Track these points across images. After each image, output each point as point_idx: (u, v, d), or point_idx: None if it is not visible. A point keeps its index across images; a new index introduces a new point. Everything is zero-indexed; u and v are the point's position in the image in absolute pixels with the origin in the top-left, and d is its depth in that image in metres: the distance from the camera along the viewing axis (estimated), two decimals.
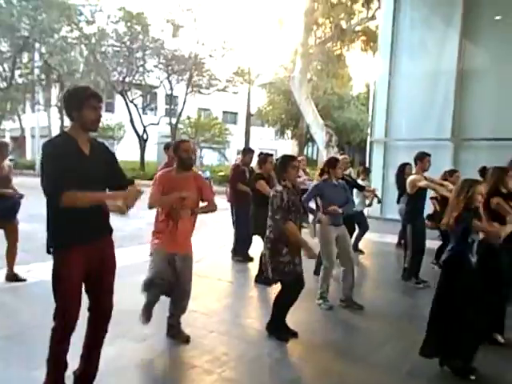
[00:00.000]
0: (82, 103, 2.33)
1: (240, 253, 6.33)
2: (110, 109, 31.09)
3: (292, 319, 3.99)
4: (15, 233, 4.82)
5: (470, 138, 10.35)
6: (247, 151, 6.64)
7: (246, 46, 33.81)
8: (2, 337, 3.43)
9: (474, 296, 3.00)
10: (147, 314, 3.43)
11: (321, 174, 4.60)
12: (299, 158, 6.97)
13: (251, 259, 6.23)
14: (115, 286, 5.02)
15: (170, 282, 3.32)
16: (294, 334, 3.61)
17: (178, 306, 3.41)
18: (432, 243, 6.06)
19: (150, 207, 3.36)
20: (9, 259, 4.84)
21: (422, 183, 5.04)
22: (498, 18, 10.04)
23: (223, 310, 4.10)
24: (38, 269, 4.86)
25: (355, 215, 7.01)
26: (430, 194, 6.22)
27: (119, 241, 7.84)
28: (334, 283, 4.74)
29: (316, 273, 5.35)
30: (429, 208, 6.15)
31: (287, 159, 3.62)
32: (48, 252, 2.42)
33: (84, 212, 2.36)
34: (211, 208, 3.44)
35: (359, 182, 7.04)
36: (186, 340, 3.41)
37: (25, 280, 4.83)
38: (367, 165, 11.57)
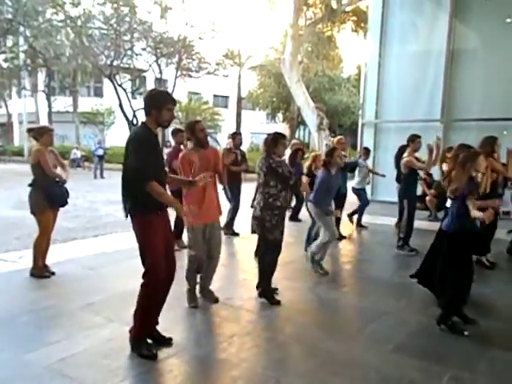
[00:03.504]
0: (162, 105, 2.86)
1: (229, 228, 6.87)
2: (99, 93, 30.69)
3: (283, 299, 4.07)
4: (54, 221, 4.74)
5: (459, 118, 10.41)
6: (235, 134, 7.11)
7: (235, 28, 33.37)
8: None
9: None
10: (195, 297, 3.91)
11: (324, 165, 4.92)
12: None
13: (237, 234, 6.83)
14: (109, 272, 5.09)
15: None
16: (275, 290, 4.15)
17: (212, 267, 3.97)
18: (420, 224, 6.18)
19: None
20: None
21: (416, 166, 5.73)
22: None
23: (215, 292, 4.16)
24: (29, 255, 4.86)
25: (358, 192, 7.54)
26: (419, 175, 6.37)
27: (111, 227, 7.94)
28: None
29: (307, 249, 5.61)
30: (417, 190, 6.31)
31: (279, 136, 4.06)
32: (127, 216, 2.94)
33: (163, 187, 2.95)
34: (221, 179, 4.05)
35: (361, 161, 7.45)
36: (215, 300, 3.94)
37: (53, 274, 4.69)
38: (358, 147, 11.63)
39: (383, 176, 8.07)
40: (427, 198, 7.56)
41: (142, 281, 2.97)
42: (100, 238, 6.70)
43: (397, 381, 2.75)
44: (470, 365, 2.96)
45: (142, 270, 3.04)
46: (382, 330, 3.51)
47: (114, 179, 7.59)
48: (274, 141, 3.99)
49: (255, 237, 5.51)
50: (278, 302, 4.00)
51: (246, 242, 6.39)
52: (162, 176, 2.98)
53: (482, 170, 3.56)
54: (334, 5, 13.72)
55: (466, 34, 10.38)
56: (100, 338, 3.23)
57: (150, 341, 3.07)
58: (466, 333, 3.38)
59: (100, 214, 8.93)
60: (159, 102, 2.88)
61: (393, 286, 4.69)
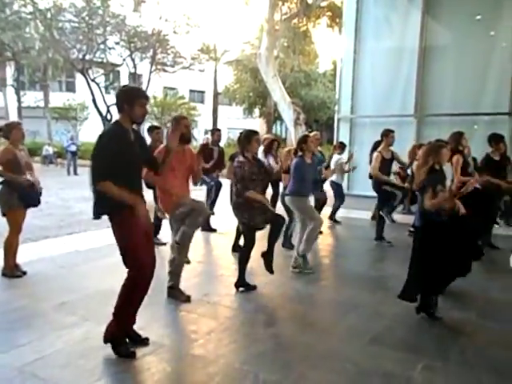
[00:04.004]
0: (134, 100, 2.84)
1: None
2: (71, 88, 29.90)
3: (261, 293, 4.09)
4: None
5: (431, 113, 10.64)
6: (215, 130, 7.16)
7: (211, 23, 33.09)
8: None
9: (448, 249, 3.43)
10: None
11: (295, 153, 4.87)
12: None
13: (215, 230, 6.81)
14: (83, 270, 4.98)
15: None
16: (254, 287, 4.18)
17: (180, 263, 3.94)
18: (394, 217, 6.30)
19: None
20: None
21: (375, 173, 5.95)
22: None
23: (192, 289, 4.14)
24: (0, 255, 4.71)
25: (336, 187, 7.64)
26: (394, 169, 6.51)
27: (85, 224, 7.78)
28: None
29: (284, 245, 5.72)
30: None
31: (251, 133, 4.09)
32: (96, 218, 2.89)
33: (135, 183, 2.92)
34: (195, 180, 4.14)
35: (335, 156, 7.60)
36: (188, 299, 3.87)
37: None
38: (334, 142, 11.76)
39: (354, 168, 8.01)
40: None
41: (118, 279, 2.93)
42: (74, 236, 6.55)
43: (373, 372, 2.79)
44: (443, 354, 3.03)
45: (118, 267, 2.99)
46: (358, 323, 3.56)
47: (87, 176, 7.43)
48: (247, 138, 4.02)
49: (232, 233, 5.53)
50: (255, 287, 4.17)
51: (223, 238, 6.37)
52: (133, 173, 2.92)
53: (445, 162, 3.62)
54: (309, 0, 13.78)
55: (437, 31, 10.60)
56: (75, 337, 3.16)
57: (127, 340, 3.03)
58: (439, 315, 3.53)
59: (74, 211, 8.72)
60: (131, 98, 2.85)
61: (369, 279, 4.76)
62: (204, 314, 3.66)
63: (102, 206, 2.85)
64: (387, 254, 5.82)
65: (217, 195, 6.98)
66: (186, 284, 4.12)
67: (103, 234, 6.21)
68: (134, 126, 3.01)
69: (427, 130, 10.55)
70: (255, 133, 4.14)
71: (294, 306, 4.00)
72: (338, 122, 12.34)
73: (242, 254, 4.25)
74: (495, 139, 5.67)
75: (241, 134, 4.13)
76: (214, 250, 6.18)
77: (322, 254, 6.00)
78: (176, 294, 3.91)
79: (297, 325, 3.52)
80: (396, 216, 6.47)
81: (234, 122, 33.13)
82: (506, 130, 9.48)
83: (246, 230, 4.13)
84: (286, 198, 4.94)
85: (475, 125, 9.92)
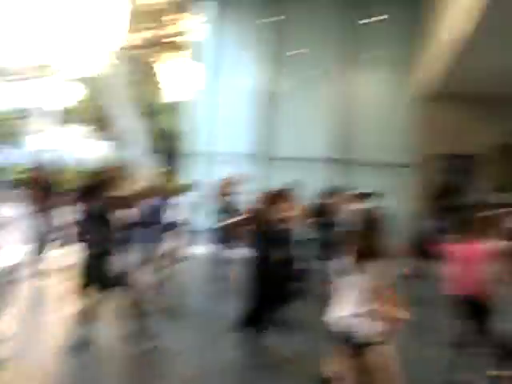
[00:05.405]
0: None
1: None
2: None
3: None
4: None
5: (277, 156, 11.41)
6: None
7: (49, 36, 30.03)
8: None
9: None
10: None
11: None
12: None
13: None
14: None
15: None
16: None
17: None
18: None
19: None
20: None
21: None
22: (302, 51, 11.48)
23: None
24: None
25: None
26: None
27: None
28: None
29: None
30: None
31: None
32: None
33: None
34: None
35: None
36: None
37: None
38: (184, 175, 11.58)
39: None
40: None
41: None
42: None
43: None
44: None
45: None
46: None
47: None
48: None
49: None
50: None
51: None
52: None
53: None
54: (157, 33, 13.72)
55: (284, 78, 11.66)
56: None
57: None
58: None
59: None
60: None
61: (208, 311, 5.01)
62: None
63: None
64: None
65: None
66: None
67: None
68: None
69: (272, 172, 11.11)
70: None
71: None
72: (186, 156, 12.20)
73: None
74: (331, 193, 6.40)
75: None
76: None
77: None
78: None
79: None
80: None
81: (78, 142, 30.24)
82: (335, 173, 10.75)
83: None
84: None
85: (309, 169, 10.92)
